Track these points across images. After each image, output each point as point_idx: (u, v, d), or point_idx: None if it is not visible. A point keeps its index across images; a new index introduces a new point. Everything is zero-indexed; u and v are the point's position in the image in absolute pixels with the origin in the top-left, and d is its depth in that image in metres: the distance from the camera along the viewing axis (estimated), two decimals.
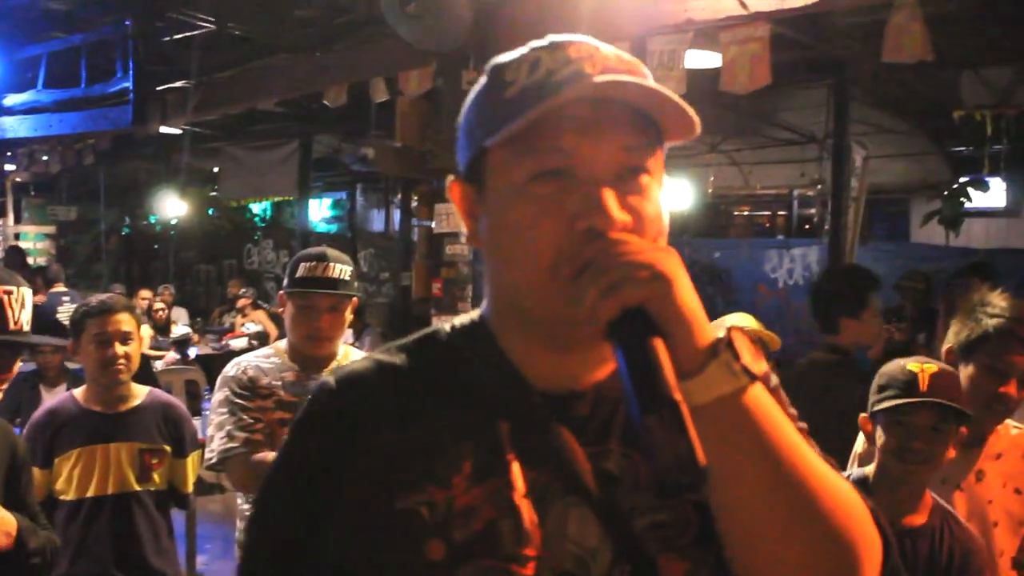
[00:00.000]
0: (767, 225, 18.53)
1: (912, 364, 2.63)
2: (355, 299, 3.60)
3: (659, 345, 1.04)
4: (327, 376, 1.37)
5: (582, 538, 1.21)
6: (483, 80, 1.29)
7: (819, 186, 10.83)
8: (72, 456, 3.74)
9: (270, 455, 3.36)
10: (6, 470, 2.88)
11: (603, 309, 1.07)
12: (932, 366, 2.63)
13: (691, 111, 1.16)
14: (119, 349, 3.74)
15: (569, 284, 1.12)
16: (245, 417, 3.46)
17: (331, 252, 3.63)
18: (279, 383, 3.52)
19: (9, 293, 2.57)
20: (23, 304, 2.59)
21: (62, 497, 3.75)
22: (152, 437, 3.87)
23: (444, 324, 1.40)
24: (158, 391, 4.08)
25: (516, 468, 1.23)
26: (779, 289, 12.54)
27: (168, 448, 3.91)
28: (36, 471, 3.68)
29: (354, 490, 1.26)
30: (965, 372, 2.97)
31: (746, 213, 19.19)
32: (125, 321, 3.76)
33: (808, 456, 1.11)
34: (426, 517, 1.22)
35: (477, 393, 1.28)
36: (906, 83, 8.96)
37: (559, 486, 1.22)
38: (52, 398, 6.38)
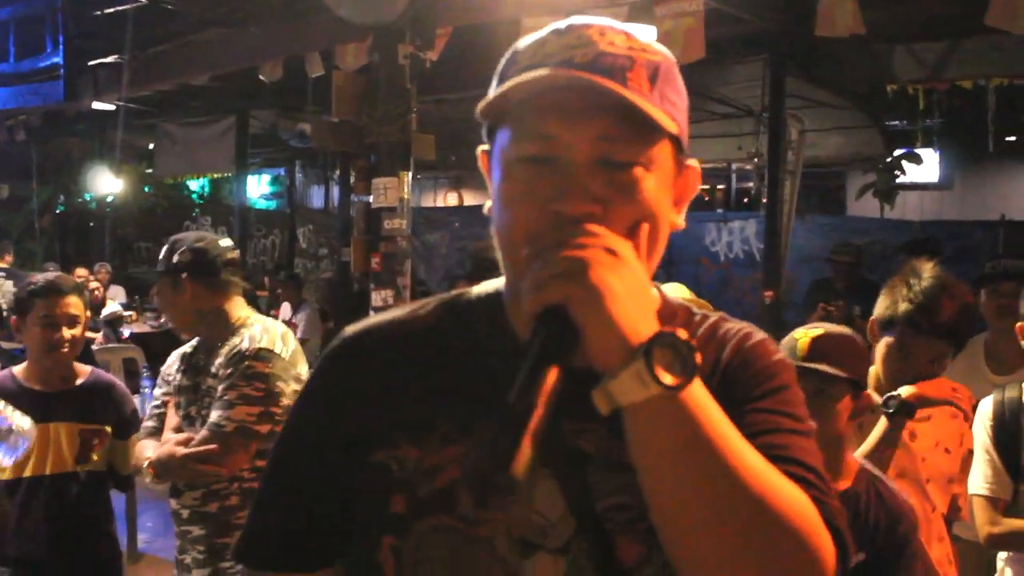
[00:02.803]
0: (706, 199, 18.64)
1: (799, 332, 2.65)
2: (181, 275, 3.54)
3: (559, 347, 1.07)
4: (347, 328, 1.44)
5: (546, 509, 1.25)
6: (504, 58, 1.31)
7: (756, 160, 10.89)
8: None
9: (141, 443, 3.57)
10: None
11: (528, 303, 1.09)
12: (818, 331, 2.63)
13: (653, 112, 1.18)
14: (66, 333, 3.70)
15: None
16: (153, 405, 3.68)
17: (181, 234, 3.76)
18: (184, 366, 3.59)
19: None
20: None
21: None
22: (93, 417, 3.82)
23: (472, 288, 1.44)
24: (100, 371, 4.03)
25: None
26: (721, 263, 12.62)
27: (109, 429, 3.86)
28: None
29: (344, 440, 1.33)
30: (878, 351, 3.05)
31: None
32: (73, 304, 3.73)
33: (742, 463, 1.09)
34: (395, 472, 1.28)
35: (472, 359, 1.31)
36: (840, 57, 9.03)
37: (536, 457, 1.23)
38: None
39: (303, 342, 10.61)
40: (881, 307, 3.06)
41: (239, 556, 1.43)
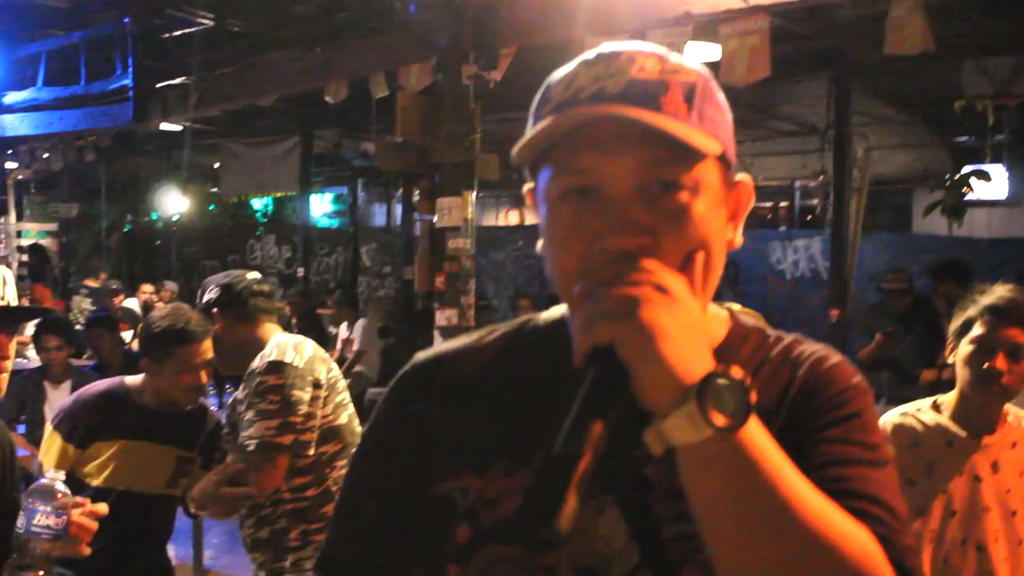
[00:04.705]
0: (769, 216, 18.51)
1: None
2: (212, 310, 3.65)
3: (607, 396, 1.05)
4: (417, 355, 1.44)
5: (610, 538, 1.23)
6: (538, 94, 1.28)
7: (821, 177, 10.80)
8: (115, 445, 3.72)
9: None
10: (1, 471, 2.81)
11: (578, 342, 1.07)
12: None
13: (690, 136, 1.15)
14: (203, 377, 3.76)
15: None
16: None
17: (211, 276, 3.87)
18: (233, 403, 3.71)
19: None
20: (4, 282, 2.56)
21: (89, 481, 3.73)
22: (192, 447, 3.85)
23: (541, 313, 1.42)
24: (206, 402, 4.06)
25: None
26: (788, 281, 12.51)
27: (199, 459, 3.89)
28: (66, 447, 3.67)
29: (406, 468, 1.33)
30: (960, 356, 2.98)
31: None
32: (208, 350, 3.75)
33: (800, 504, 1.06)
34: (459, 502, 1.27)
35: (537, 387, 1.29)
36: (907, 73, 8.93)
37: (596, 485, 1.18)
38: (58, 395, 6.41)
39: (360, 354, 10.78)
40: (957, 319, 3.00)
41: (318, 569, 1.43)
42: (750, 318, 1.40)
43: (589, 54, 1.24)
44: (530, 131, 1.19)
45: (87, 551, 2.47)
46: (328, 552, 1.44)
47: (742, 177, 1.27)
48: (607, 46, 1.24)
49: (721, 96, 1.25)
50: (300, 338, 3.60)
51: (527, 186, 1.31)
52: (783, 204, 18.60)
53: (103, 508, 2.51)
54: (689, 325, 1.06)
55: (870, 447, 1.22)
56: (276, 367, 3.37)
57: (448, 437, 1.32)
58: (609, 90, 1.17)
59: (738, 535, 1.07)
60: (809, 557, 1.05)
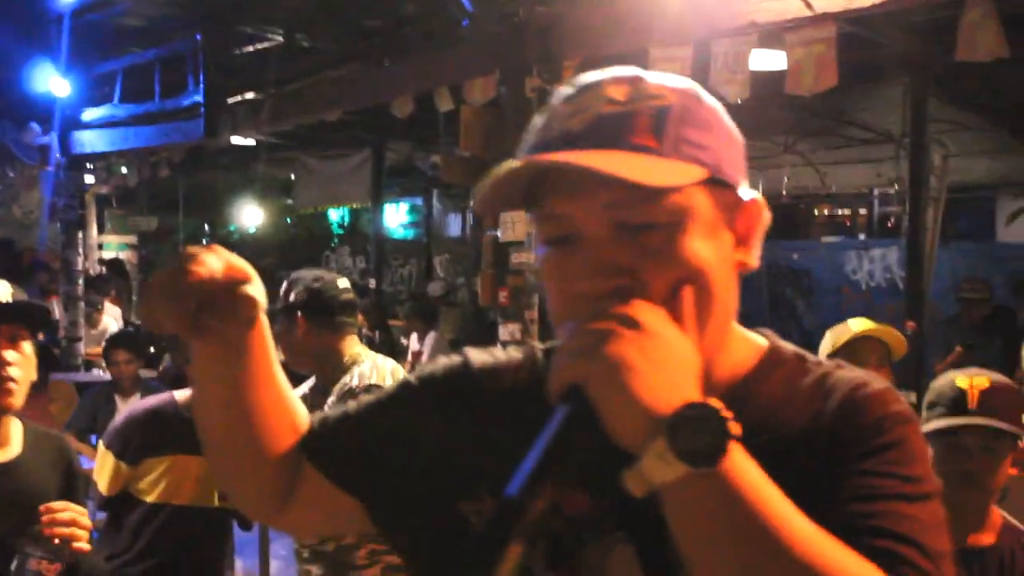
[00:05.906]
0: (847, 224, 18.21)
1: (960, 380, 2.52)
2: (296, 313, 3.55)
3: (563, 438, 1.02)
4: (472, 351, 1.44)
5: None
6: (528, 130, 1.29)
7: (896, 185, 10.60)
8: (166, 461, 3.74)
9: None
10: (62, 486, 2.82)
11: (551, 382, 1.05)
12: (983, 380, 2.51)
13: (643, 177, 1.09)
14: None
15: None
16: None
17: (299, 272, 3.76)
18: None
19: None
20: None
21: (143, 498, 3.74)
22: None
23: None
24: None
25: (574, 494, 1.22)
26: (863, 291, 12.28)
27: None
28: (119, 465, 3.69)
29: (433, 473, 1.32)
30: None
31: (827, 213, 18.91)
32: None
33: (795, 545, 0.99)
34: (473, 524, 1.26)
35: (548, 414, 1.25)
36: (987, 78, 8.71)
37: (613, 520, 1.20)
38: (128, 408, 6.50)
39: None
40: None
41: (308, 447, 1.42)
42: (791, 347, 1.33)
43: (568, 88, 1.22)
44: (488, 178, 1.17)
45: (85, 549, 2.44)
46: (320, 428, 1.46)
47: (751, 195, 1.22)
48: (586, 76, 1.22)
49: (710, 114, 1.20)
50: (393, 363, 3.58)
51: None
52: (862, 211, 18.30)
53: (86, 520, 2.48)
54: (663, 358, 1.02)
55: (908, 480, 1.14)
56: (374, 392, 3.35)
57: (476, 449, 1.30)
58: (575, 129, 1.15)
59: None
60: None
